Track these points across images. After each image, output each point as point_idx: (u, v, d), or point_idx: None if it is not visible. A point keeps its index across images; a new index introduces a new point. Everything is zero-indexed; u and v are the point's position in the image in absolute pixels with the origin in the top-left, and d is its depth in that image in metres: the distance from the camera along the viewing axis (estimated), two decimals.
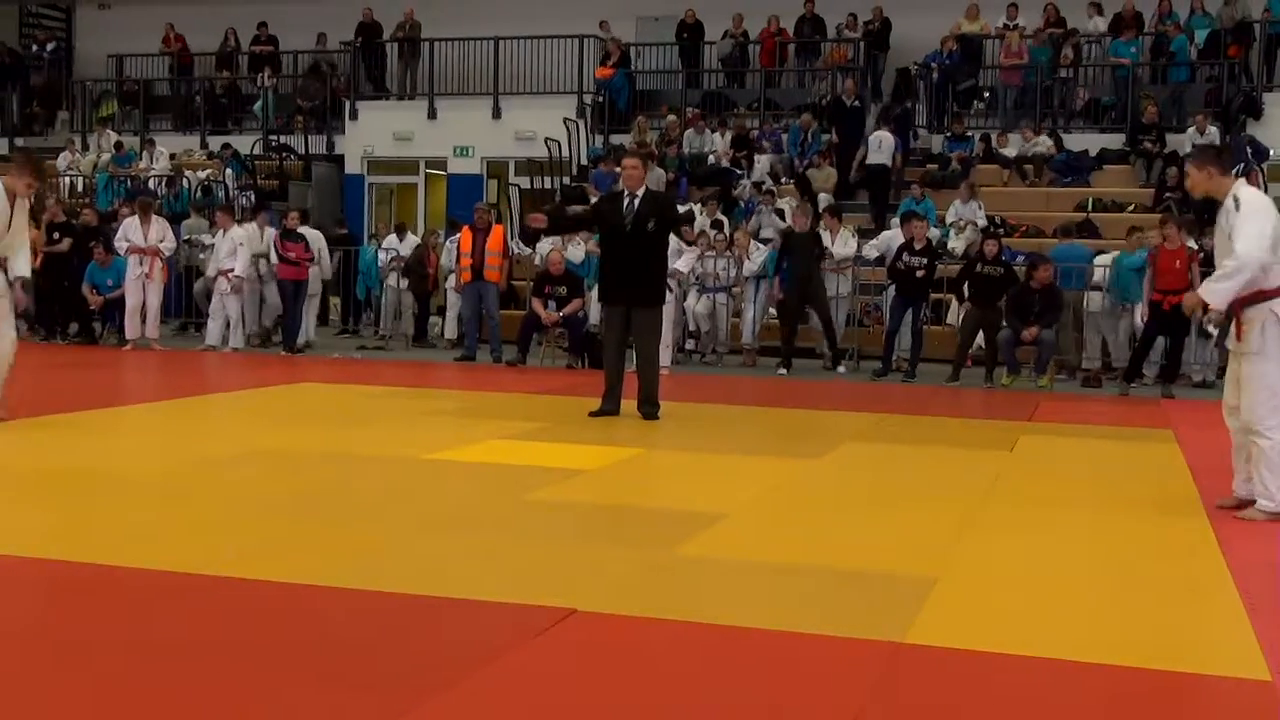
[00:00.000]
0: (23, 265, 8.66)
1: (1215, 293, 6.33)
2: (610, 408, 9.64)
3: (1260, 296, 6.25)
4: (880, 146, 18.57)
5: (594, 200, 18.05)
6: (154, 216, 15.48)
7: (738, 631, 4.26)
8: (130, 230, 15.15)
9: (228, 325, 15.22)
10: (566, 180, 20.57)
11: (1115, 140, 19.15)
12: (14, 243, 8.56)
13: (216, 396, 11.28)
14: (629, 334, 9.68)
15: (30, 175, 8.55)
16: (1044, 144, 18.91)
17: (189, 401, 10.67)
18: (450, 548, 5.46)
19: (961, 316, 13.95)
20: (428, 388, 12.10)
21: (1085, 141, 19.28)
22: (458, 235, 15.38)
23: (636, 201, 9.56)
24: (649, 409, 9.61)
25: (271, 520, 5.85)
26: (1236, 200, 6.35)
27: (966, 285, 13.69)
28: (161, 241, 15.26)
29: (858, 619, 4.45)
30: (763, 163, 19.27)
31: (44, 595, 4.58)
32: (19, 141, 24.68)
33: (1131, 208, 17.49)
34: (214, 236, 15.78)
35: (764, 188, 18.24)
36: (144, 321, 15.11)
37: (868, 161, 18.65)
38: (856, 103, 19.48)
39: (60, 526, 5.59)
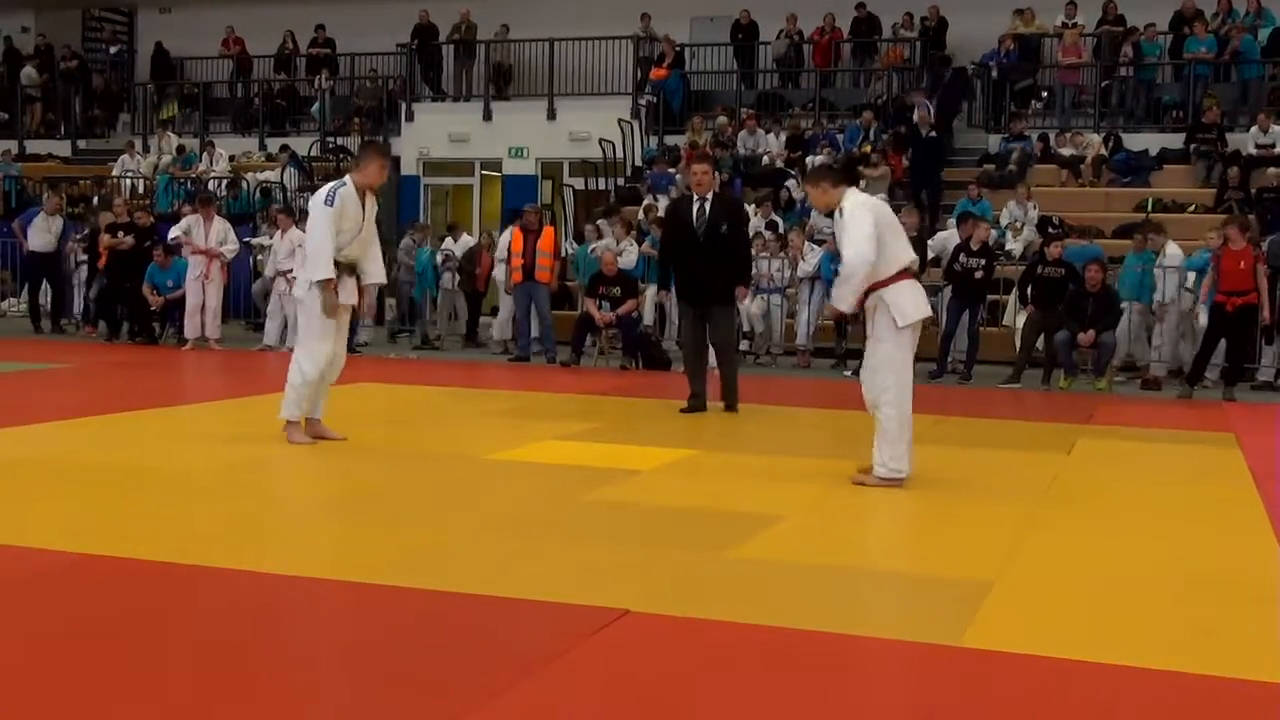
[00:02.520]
0: (378, 270, 8.14)
1: (840, 298, 7.02)
2: (698, 404, 9.98)
3: (874, 287, 6.85)
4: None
5: (647, 201, 18.17)
6: (216, 217, 15.64)
7: (793, 633, 4.25)
8: (192, 228, 15.30)
9: (285, 325, 15.37)
10: (620, 181, 20.61)
11: (1176, 140, 18.92)
12: (367, 242, 8.00)
13: (275, 395, 11.36)
14: (705, 332, 10.14)
15: (380, 159, 7.95)
16: (1094, 143, 18.65)
17: (247, 400, 10.78)
18: (507, 547, 5.48)
19: (1023, 319, 13.80)
20: (482, 388, 12.15)
21: (1146, 141, 19.06)
22: (509, 234, 15.42)
23: (707, 206, 9.97)
24: (730, 400, 10.10)
25: (330, 519, 5.91)
26: (841, 210, 6.90)
27: (1029, 287, 13.57)
28: (223, 243, 15.40)
29: (914, 622, 4.43)
30: (818, 163, 19.16)
31: (102, 591, 4.64)
32: (81, 144, 25.10)
33: (1192, 208, 17.27)
34: (272, 237, 15.94)
35: None
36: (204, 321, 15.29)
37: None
38: (932, 133, 18.77)
39: (121, 524, 5.65)
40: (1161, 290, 13.69)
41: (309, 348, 7.83)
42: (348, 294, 7.92)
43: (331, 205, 7.69)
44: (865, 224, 6.76)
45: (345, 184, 7.83)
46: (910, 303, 6.92)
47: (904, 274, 6.93)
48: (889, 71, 20.86)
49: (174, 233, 15.39)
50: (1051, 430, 9.82)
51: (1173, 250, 13.91)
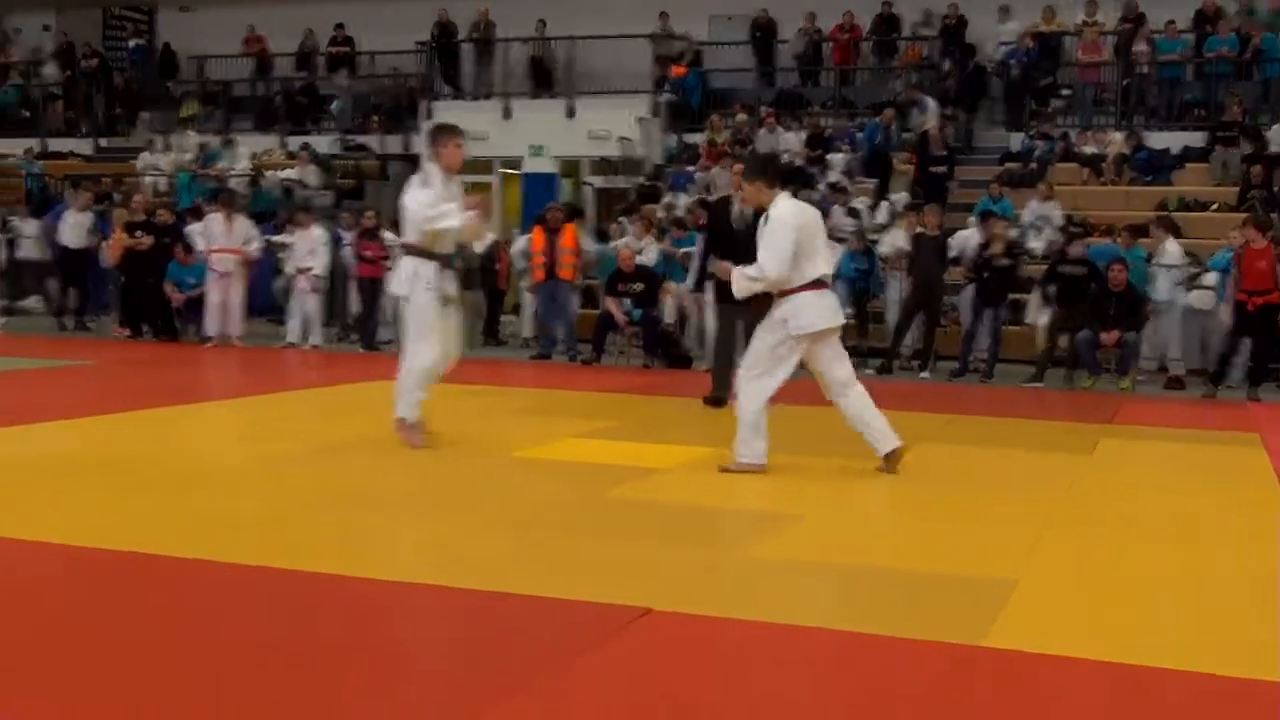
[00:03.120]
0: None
1: (740, 287, 7.27)
2: (720, 399, 10.10)
3: (783, 293, 7.09)
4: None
5: (667, 199, 18.17)
6: (237, 216, 15.66)
7: (814, 632, 4.24)
8: (213, 227, 15.33)
9: (305, 322, 15.41)
10: (640, 180, 20.59)
11: (1199, 138, 18.81)
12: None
13: (296, 393, 11.42)
14: (736, 330, 10.30)
15: (455, 136, 7.65)
16: (1115, 141, 18.56)
17: (269, 398, 10.82)
18: (528, 545, 5.48)
19: (1044, 317, 13.73)
20: (504, 386, 12.15)
21: (1168, 140, 18.97)
22: (529, 234, 15.44)
23: (747, 208, 10.07)
24: None
25: (351, 516, 5.91)
26: (768, 215, 7.09)
27: (1050, 286, 13.50)
28: (246, 243, 15.42)
29: (936, 622, 4.41)
30: (838, 161, 19.14)
31: (121, 586, 4.66)
32: (103, 142, 25.20)
33: (1215, 207, 17.17)
34: (293, 235, 15.98)
35: (838, 185, 18.14)
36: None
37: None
38: (943, 150, 18.22)
39: (142, 519, 5.67)
40: (1155, 288, 13.68)
41: (416, 348, 7.73)
42: (449, 286, 7.75)
43: (428, 185, 7.57)
44: (788, 240, 6.97)
45: (434, 169, 7.66)
46: (811, 314, 7.08)
47: (815, 284, 7.10)
48: (908, 70, 20.80)
49: (198, 242, 15.31)
50: (1074, 430, 9.78)
51: (1171, 249, 13.88)
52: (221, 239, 15.27)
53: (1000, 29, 20.45)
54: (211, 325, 15.24)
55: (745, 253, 10.23)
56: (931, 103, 19.21)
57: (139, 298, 16.08)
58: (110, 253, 16.33)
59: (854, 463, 7.67)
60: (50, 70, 25.93)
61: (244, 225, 15.55)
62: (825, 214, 16.94)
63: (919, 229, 13.98)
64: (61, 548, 5.07)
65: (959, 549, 5.60)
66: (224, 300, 15.19)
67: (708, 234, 11.16)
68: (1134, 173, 18.30)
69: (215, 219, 15.45)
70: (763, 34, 21.88)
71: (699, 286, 11.01)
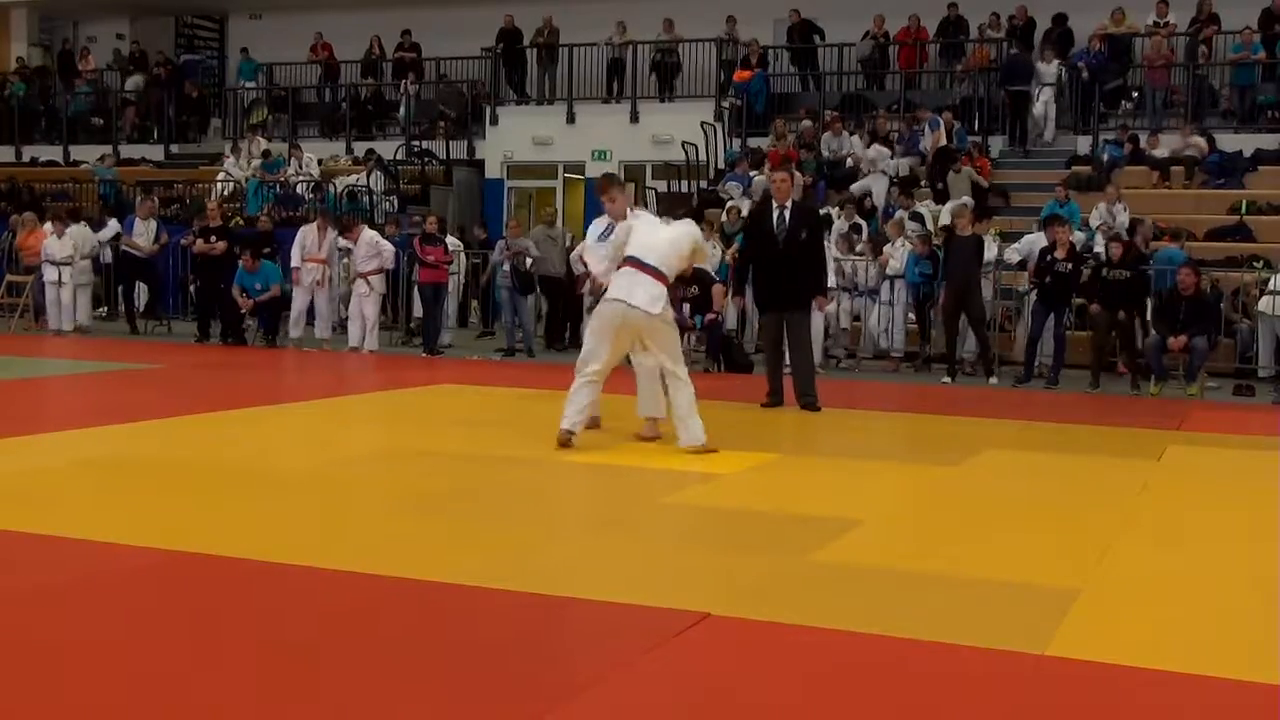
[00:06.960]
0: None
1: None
2: (775, 400, 10.50)
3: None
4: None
5: (731, 203, 18.14)
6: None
7: (873, 639, 4.22)
8: (307, 237, 15.67)
9: (364, 327, 15.57)
10: (703, 184, 20.59)
11: (1273, 140, 18.49)
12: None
13: (360, 397, 11.52)
14: (784, 336, 10.50)
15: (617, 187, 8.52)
16: (1195, 145, 18.29)
17: (332, 402, 10.92)
18: (585, 549, 5.50)
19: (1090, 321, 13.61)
20: (563, 390, 12.16)
21: (1240, 142, 18.66)
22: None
23: (787, 213, 10.36)
24: (808, 400, 10.30)
25: (410, 520, 5.95)
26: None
27: (1097, 289, 13.35)
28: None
29: (997, 630, 4.37)
30: (902, 165, 19.03)
31: (184, 589, 4.72)
32: (173, 149, 25.58)
33: None
34: (351, 242, 16.14)
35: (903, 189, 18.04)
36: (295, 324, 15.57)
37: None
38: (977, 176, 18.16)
39: (209, 521, 5.74)
40: None
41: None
42: None
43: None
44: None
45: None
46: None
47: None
48: (973, 73, 20.64)
49: (295, 254, 15.62)
50: (1141, 436, 9.64)
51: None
52: (313, 250, 15.59)
53: (1042, 68, 20.05)
54: (295, 329, 15.49)
55: (785, 258, 10.31)
56: (940, 120, 19.06)
57: (209, 302, 16.33)
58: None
59: (914, 467, 7.62)
60: (135, 80, 26.34)
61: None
62: (888, 217, 16.98)
63: (952, 229, 13.85)
64: (127, 549, 5.15)
65: (1021, 556, 5.54)
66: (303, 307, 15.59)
67: (749, 238, 11.23)
68: (1205, 175, 18.01)
69: (309, 230, 15.72)
70: (803, 38, 21.85)
71: (741, 289, 11.09)
